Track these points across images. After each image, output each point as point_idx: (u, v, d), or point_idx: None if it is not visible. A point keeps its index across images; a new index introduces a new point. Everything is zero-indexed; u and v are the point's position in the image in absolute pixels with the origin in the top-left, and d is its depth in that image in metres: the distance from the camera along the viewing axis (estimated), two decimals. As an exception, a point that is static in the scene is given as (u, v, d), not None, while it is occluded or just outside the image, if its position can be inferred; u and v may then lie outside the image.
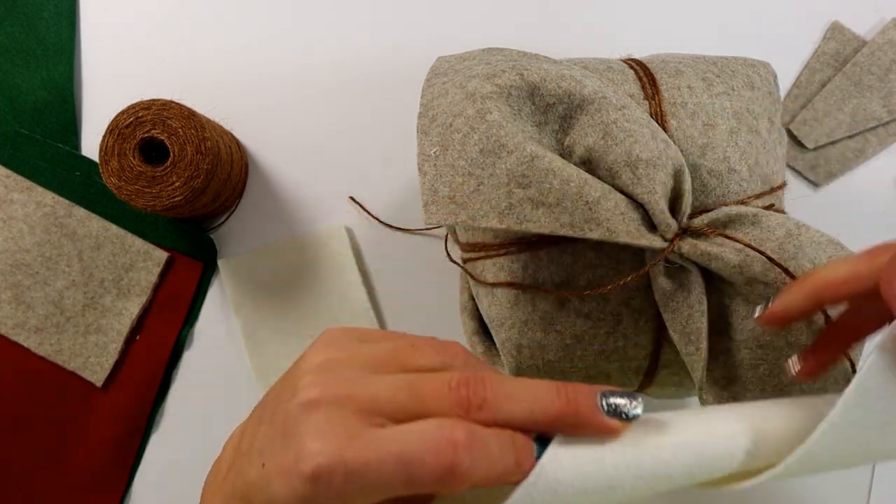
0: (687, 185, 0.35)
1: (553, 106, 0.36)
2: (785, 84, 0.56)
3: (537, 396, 0.24)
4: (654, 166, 0.34)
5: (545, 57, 0.39)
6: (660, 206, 0.34)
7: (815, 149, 0.55)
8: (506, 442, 0.23)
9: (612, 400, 0.24)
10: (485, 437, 0.23)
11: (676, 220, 0.35)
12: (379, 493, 0.22)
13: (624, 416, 0.24)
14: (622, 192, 0.35)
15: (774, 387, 0.36)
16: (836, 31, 0.55)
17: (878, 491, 0.54)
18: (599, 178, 0.35)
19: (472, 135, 0.34)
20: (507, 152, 0.34)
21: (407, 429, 0.22)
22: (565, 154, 0.36)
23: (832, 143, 0.55)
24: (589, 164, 0.35)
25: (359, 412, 0.23)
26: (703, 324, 0.36)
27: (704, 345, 0.36)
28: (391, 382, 0.24)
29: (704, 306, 0.36)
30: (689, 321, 0.36)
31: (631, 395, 0.25)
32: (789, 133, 0.55)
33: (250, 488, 0.23)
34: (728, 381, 0.37)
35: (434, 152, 0.35)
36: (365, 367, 0.25)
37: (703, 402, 0.38)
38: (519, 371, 0.38)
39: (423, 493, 0.23)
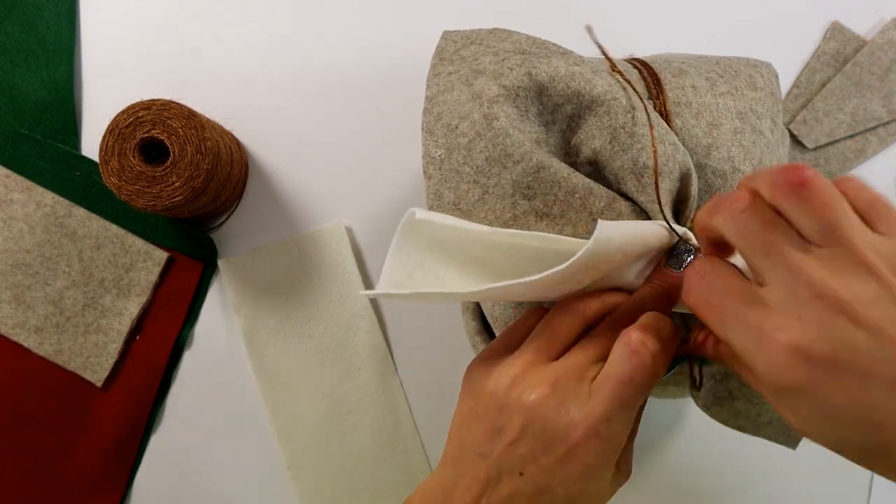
0: (693, 188, 0.35)
1: (561, 106, 0.35)
2: (785, 84, 0.56)
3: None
4: (659, 174, 0.34)
5: (555, 45, 0.39)
6: (663, 215, 0.34)
7: (815, 149, 0.55)
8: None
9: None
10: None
11: (680, 223, 0.35)
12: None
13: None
14: (627, 196, 0.35)
15: None
16: (836, 31, 0.56)
17: (878, 491, 0.54)
18: (605, 179, 0.35)
19: (477, 141, 0.34)
20: (514, 162, 0.33)
21: (605, 366, 0.31)
22: (572, 152, 0.36)
23: (832, 143, 0.55)
24: (596, 165, 0.35)
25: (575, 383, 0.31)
26: (698, 323, 0.36)
27: None
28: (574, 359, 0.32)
29: None
30: (687, 320, 0.36)
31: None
32: (789, 133, 0.55)
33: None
34: (723, 377, 0.37)
35: (439, 155, 0.35)
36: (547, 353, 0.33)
37: (696, 399, 0.38)
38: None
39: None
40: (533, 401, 0.30)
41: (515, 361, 0.32)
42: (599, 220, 0.30)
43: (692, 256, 0.33)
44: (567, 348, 0.33)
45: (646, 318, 0.32)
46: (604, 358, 0.32)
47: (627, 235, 0.31)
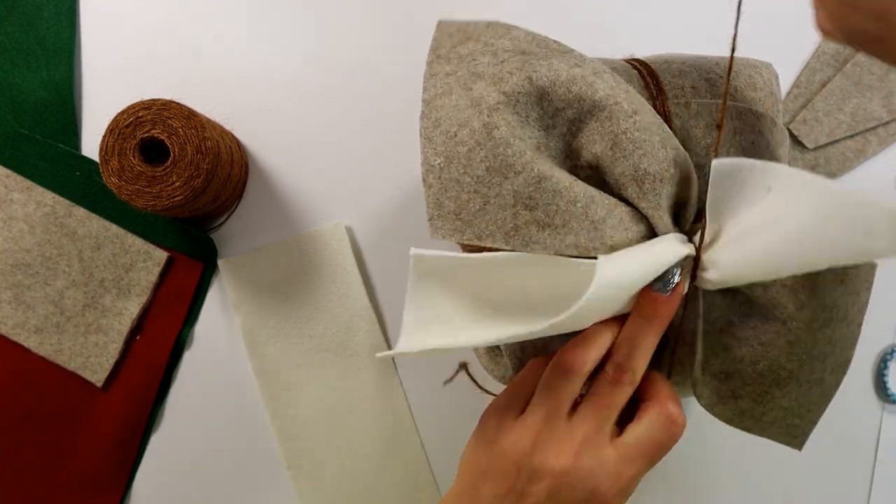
0: (694, 192, 0.35)
1: (562, 110, 0.35)
2: (785, 84, 0.56)
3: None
4: (660, 180, 0.34)
5: (556, 43, 0.38)
6: (663, 221, 0.34)
7: (815, 149, 0.55)
8: None
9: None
10: None
11: (680, 225, 0.35)
12: None
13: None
14: (628, 202, 0.35)
15: (772, 382, 0.36)
16: (836, 31, 0.55)
17: (878, 491, 0.54)
18: (606, 184, 0.35)
19: (477, 150, 0.34)
20: (515, 173, 0.33)
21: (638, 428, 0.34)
22: (572, 155, 0.36)
23: (832, 142, 0.55)
24: (596, 169, 0.35)
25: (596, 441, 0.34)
26: (697, 325, 0.36)
27: (699, 345, 0.36)
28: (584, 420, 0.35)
29: (700, 309, 0.36)
30: (683, 322, 0.36)
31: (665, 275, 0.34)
32: (789, 133, 0.55)
33: None
34: (726, 376, 0.37)
35: (438, 163, 0.34)
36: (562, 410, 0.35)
37: (699, 397, 0.38)
38: (522, 372, 0.38)
39: None
40: (560, 469, 0.33)
41: (529, 424, 0.35)
42: (598, 264, 0.32)
43: (678, 277, 0.34)
44: (575, 402, 0.35)
45: (671, 390, 0.35)
46: (614, 417, 0.35)
47: (629, 276, 0.33)
